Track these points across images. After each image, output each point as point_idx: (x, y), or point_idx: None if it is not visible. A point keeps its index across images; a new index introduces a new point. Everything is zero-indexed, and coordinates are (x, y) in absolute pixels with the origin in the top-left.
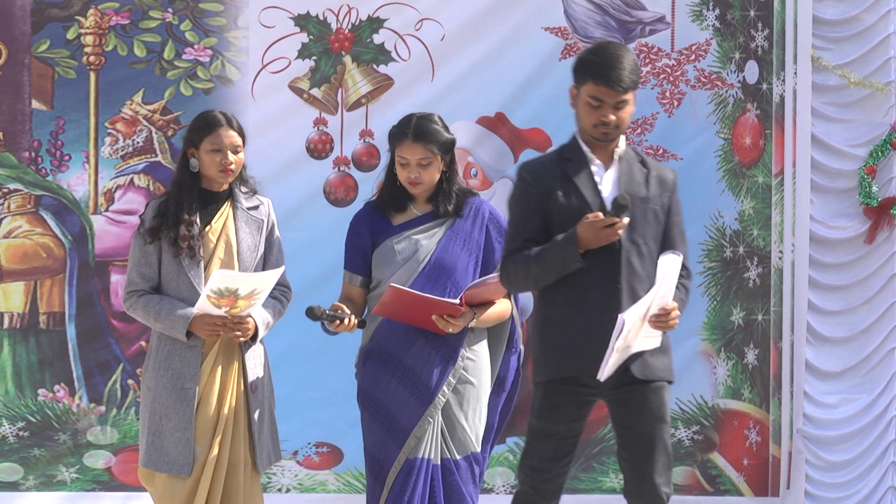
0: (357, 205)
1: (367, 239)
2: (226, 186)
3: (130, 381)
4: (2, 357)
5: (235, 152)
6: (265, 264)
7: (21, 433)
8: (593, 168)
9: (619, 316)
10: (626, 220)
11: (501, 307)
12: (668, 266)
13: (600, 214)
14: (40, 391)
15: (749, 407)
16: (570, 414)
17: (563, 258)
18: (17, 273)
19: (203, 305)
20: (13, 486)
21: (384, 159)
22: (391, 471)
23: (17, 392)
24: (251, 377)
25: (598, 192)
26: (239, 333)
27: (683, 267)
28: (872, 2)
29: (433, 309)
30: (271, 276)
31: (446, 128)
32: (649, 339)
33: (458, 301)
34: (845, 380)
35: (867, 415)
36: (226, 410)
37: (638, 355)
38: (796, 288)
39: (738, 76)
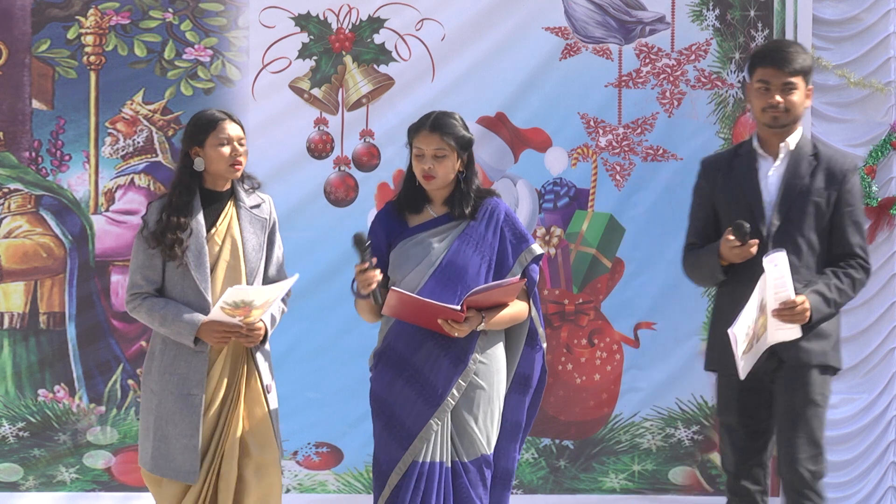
0: (357, 205)
1: (383, 240)
2: (228, 185)
3: (130, 382)
4: (2, 357)
5: (241, 145)
6: (266, 262)
7: (21, 433)
8: (761, 163)
9: (729, 331)
10: (754, 242)
11: (515, 308)
12: (771, 264)
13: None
14: (40, 391)
15: None
16: (737, 406)
17: (710, 267)
18: (17, 273)
19: (217, 315)
20: (13, 487)
21: (384, 159)
22: (394, 472)
23: (17, 392)
24: (266, 379)
25: (757, 190)
26: (251, 338)
27: (855, 256)
28: (872, 2)
29: (435, 313)
30: (285, 285)
31: (466, 127)
32: (785, 332)
33: (458, 307)
34: (845, 380)
35: (867, 415)
36: (235, 416)
37: (794, 342)
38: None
39: (738, 76)
